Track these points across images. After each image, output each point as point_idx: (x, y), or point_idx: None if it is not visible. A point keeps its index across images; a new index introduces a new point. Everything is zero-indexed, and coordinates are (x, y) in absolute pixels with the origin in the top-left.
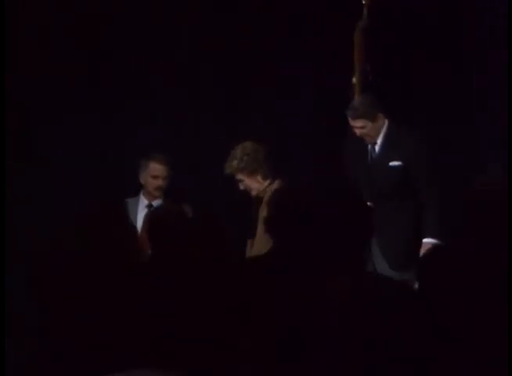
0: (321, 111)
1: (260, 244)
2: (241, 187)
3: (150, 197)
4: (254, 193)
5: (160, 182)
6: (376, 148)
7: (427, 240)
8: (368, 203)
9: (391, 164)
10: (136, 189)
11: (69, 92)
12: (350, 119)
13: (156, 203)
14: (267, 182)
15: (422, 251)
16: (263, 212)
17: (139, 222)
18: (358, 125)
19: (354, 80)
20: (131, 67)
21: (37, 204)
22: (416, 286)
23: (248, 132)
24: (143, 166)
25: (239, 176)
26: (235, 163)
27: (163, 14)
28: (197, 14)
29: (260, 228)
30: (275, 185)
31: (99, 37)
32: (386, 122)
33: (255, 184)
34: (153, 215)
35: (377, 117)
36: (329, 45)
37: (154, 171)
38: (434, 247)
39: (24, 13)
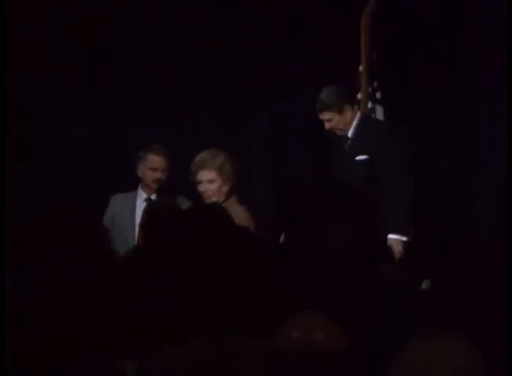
0: None
1: None
2: (201, 189)
3: (149, 190)
4: (210, 200)
5: (158, 175)
6: (348, 142)
7: (392, 237)
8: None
9: (358, 158)
10: (134, 182)
11: (69, 92)
12: (318, 112)
13: (155, 196)
14: (225, 198)
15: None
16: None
17: (138, 217)
18: (325, 118)
19: (360, 68)
20: (131, 67)
21: (37, 203)
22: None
23: (248, 132)
24: (141, 158)
25: (213, 176)
26: (220, 162)
27: (163, 14)
28: (197, 14)
29: None
30: (231, 201)
31: (99, 37)
32: (358, 114)
33: (219, 193)
34: (149, 209)
35: (345, 108)
36: (330, 44)
37: (152, 164)
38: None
39: (24, 13)
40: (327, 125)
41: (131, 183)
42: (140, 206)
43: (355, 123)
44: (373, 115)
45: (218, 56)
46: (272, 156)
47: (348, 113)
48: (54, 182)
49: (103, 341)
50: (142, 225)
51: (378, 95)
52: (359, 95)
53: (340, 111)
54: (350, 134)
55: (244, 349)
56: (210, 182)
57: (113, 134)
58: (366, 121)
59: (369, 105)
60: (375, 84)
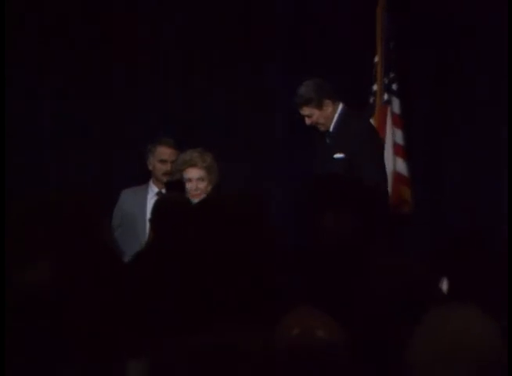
0: None
1: None
2: (191, 186)
3: (159, 183)
4: (198, 198)
5: (168, 167)
6: (330, 137)
7: None
8: None
9: (336, 156)
10: (145, 176)
11: (68, 91)
12: (297, 107)
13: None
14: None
15: None
16: None
17: (149, 211)
18: (305, 114)
19: (376, 58)
20: (132, 65)
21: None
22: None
23: (249, 130)
24: (150, 151)
25: (203, 174)
26: (209, 160)
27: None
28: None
29: None
30: None
31: (99, 35)
32: (339, 108)
33: (205, 193)
34: (158, 203)
35: (324, 103)
36: (345, 33)
37: (162, 156)
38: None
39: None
40: (307, 121)
41: (139, 176)
42: (151, 200)
43: (336, 118)
44: (389, 107)
45: (225, 51)
46: (285, 155)
47: (329, 108)
48: (59, 175)
49: (106, 338)
50: (152, 220)
51: (394, 86)
52: (375, 87)
53: (320, 106)
54: (331, 129)
55: (244, 346)
56: (201, 180)
57: (114, 130)
58: (347, 116)
59: (385, 96)
60: (391, 75)
